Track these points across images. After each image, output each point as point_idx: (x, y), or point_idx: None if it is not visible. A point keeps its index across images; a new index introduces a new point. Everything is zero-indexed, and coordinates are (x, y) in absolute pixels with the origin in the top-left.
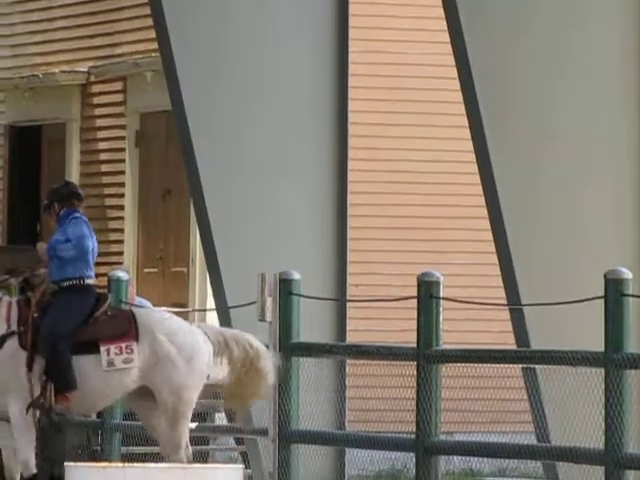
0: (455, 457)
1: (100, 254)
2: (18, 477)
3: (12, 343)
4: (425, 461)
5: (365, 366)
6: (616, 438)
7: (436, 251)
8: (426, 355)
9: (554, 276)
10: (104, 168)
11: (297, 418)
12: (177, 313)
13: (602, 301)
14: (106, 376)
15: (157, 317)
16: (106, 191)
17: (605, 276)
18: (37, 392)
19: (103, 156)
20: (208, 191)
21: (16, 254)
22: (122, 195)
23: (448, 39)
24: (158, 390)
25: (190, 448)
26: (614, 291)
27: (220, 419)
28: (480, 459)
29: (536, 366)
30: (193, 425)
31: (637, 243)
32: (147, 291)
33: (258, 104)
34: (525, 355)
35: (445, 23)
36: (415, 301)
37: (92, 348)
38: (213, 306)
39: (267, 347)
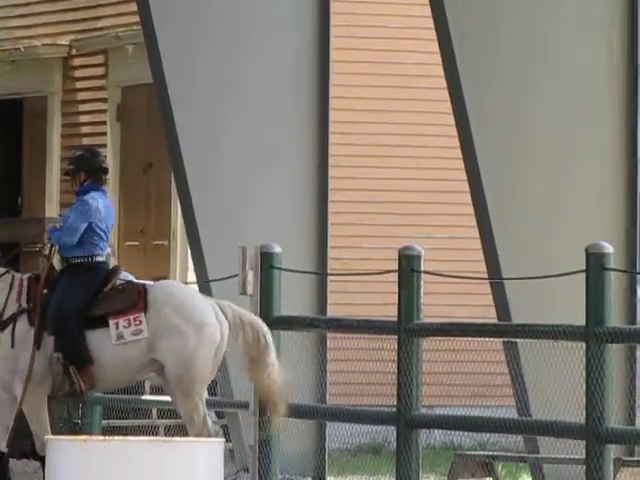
0: (436, 431)
1: None
2: (3, 448)
3: (23, 321)
4: (406, 435)
5: (346, 340)
6: (597, 412)
7: (417, 225)
8: (407, 329)
9: (535, 250)
10: (85, 141)
11: None
12: None
13: (583, 275)
14: (115, 350)
15: (168, 289)
16: None
17: (586, 250)
18: (52, 375)
19: (84, 129)
20: (189, 165)
21: None
22: None
23: (431, 17)
24: (166, 361)
25: (209, 424)
26: (595, 265)
27: None
28: (461, 433)
29: (517, 340)
30: None
31: (619, 217)
32: (128, 265)
33: (240, 77)
34: (506, 329)
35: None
36: (396, 275)
37: (102, 323)
38: (194, 279)
39: None
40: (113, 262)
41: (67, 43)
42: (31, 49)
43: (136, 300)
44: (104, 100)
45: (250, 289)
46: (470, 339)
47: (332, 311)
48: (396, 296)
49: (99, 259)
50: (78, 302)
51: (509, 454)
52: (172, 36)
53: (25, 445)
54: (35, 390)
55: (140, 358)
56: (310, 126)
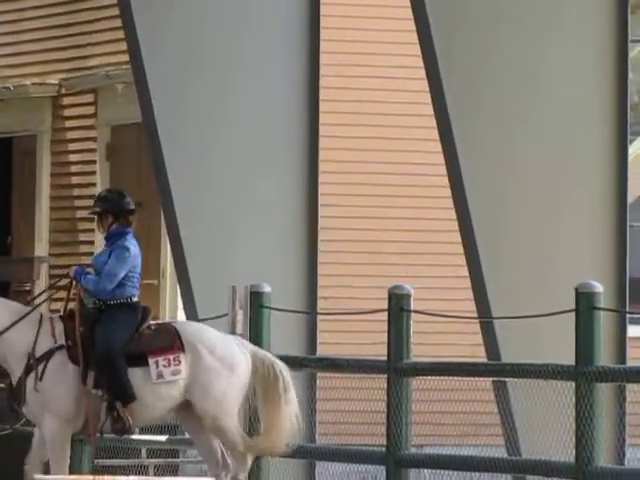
0: (425, 470)
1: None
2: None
3: (60, 357)
4: (396, 474)
5: (336, 379)
6: (587, 452)
7: (407, 264)
8: (397, 368)
9: (525, 289)
10: (75, 180)
11: None
12: None
13: (573, 314)
14: (155, 388)
15: (196, 329)
16: (77, 203)
17: (576, 289)
18: (92, 412)
19: (74, 168)
20: (179, 204)
21: None
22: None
23: (418, 45)
24: (199, 402)
25: (245, 437)
26: (585, 304)
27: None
28: (450, 472)
29: (507, 379)
30: (163, 438)
31: (609, 256)
32: None
33: (228, 118)
34: (496, 368)
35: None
36: (386, 314)
37: (140, 361)
38: (184, 318)
39: None
40: None
41: (56, 82)
42: (20, 88)
43: (173, 340)
44: (94, 139)
45: (240, 328)
46: (460, 378)
47: (322, 350)
48: (386, 335)
49: (135, 299)
50: (122, 339)
51: None
52: (162, 75)
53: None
54: (67, 428)
55: (177, 397)
56: (299, 166)
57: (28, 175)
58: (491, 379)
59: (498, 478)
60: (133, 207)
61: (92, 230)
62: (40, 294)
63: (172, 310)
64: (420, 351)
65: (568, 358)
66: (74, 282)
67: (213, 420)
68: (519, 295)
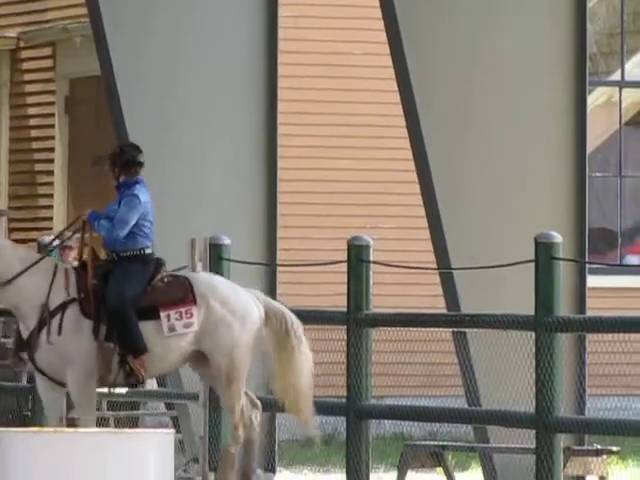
0: (386, 421)
1: (29, 219)
2: None
3: (73, 310)
4: (356, 425)
5: None
6: (547, 402)
7: (365, 215)
8: (356, 319)
9: (484, 240)
10: (34, 133)
11: None
12: None
13: (533, 265)
14: (167, 341)
15: (210, 282)
16: (36, 156)
17: (535, 240)
18: (101, 360)
19: (33, 121)
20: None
21: None
22: (52, 160)
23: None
24: (211, 354)
25: (245, 414)
26: (544, 255)
27: (151, 384)
28: (411, 423)
29: (466, 330)
30: (124, 390)
31: (568, 206)
32: None
33: (187, 67)
34: (455, 319)
35: None
36: (345, 265)
37: (152, 314)
38: None
39: None
40: (72, 256)
41: (15, 35)
42: None
43: (185, 293)
44: (52, 92)
45: None
46: (420, 329)
47: (281, 302)
48: (345, 286)
49: (149, 251)
50: (134, 292)
51: (459, 444)
52: (120, 27)
53: None
54: (89, 380)
55: (187, 349)
56: (258, 116)
57: None
58: (451, 330)
59: (458, 428)
60: (139, 160)
61: (51, 183)
62: (58, 236)
63: None
64: (380, 302)
65: (528, 308)
66: (87, 226)
67: (225, 372)
68: (478, 246)
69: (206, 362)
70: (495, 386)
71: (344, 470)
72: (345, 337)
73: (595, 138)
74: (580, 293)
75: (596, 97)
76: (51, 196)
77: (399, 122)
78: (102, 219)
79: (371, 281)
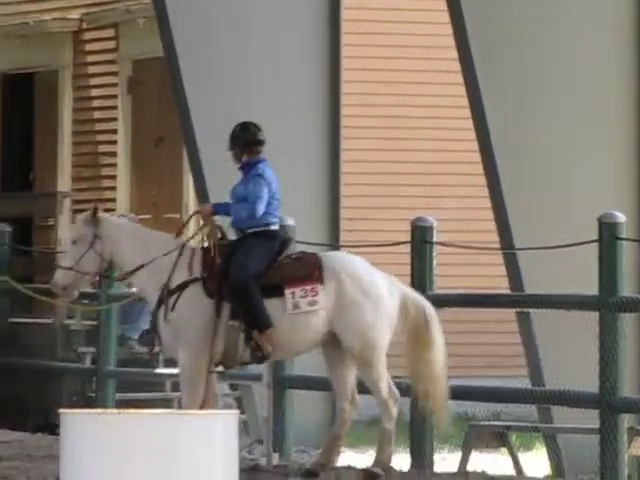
0: (450, 401)
1: (93, 201)
2: None
3: (194, 289)
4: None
5: None
6: (610, 382)
7: (429, 196)
8: None
9: (548, 220)
10: (96, 115)
11: (291, 364)
12: None
13: (596, 245)
14: (292, 318)
15: (343, 260)
16: (99, 138)
17: (599, 220)
18: (230, 344)
19: (95, 103)
20: (201, 137)
21: (10, 202)
22: (115, 142)
23: None
24: (344, 335)
25: (396, 393)
26: (608, 234)
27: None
28: (474, 403)
29: (530, 310)
30: None
31: (633, 187)
32: None
33: (251, 48)
34: (519, 299)
35: None
36: (409, 246)
37: (277, 292)
38: None
39: None
40: None
41: (77, 17)
42: (41, 23)
43: (312, 270)
44: (115, 74)
45: None
46: (483, 310)
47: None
48: (409, 267)
49: (274, 228)
50: (258, 269)
51: (523, 424)
52: (183, 8)
53: (39, 419)
54: (200, 360)
55: (316, 329)
56: (322, 98)
57: (50, 111)
58: (514, 310)
59: (522, 409)
60: (261, 138)
61: (114, 165)
62: (180, 230)
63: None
64: (443, 283)
65: (591, 288)
66: (211, 217)
67: (359, 354)
68: (542, 226)
69: (338, 344)
70: (559, 366)
71: (408, 450)
72: None
73: None
74: None
75: None
76: (114, 177)
77: (462, 102)
78: (236, 205)
79: (435, 262)
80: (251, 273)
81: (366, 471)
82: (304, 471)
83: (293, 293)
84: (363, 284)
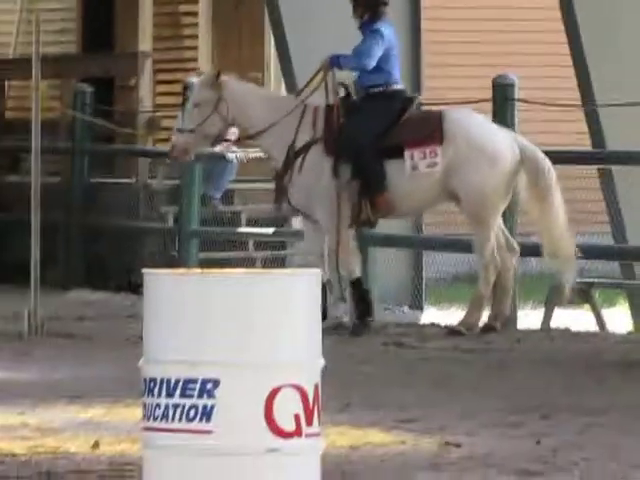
0: (532, 258)
1: (174, 60)
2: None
3: (317, 149)
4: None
5: None
6: None
7: (510, 53)
8: None
9: (630, 76)
10: None
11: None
12: None
13: None
14: (410, 179)
15: (463, 119)
16: None
17: None
18: (344, 201)
19: None
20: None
21: (92, 61)
22: (196, 1)
23: None
24: (459, 193)
25: (497, 260)
26: None
27: (297, 223)
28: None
29: (612, 167)
30: (270, 230)
31: None
32: None
33: None
34: (601, 156)
35: None
36: (491, 104)
37: (397, 153)
38: None
39: None
40: None
41: None
42: None
43: (432, 131)
44: None
45: None
46: (566, 166)
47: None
48: None
49: (397, 87)
50: (376, 130)
51: (606, 280)
52: None
53: (122, 279)
54: (335, 214)
55: (434, 189)
56: None
57: None
58: (596, 167)
59: (605, 265)
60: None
61: (195, 24)
62: (305, 86)
63: None
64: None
65: None
66: (328, 69)
67: (474, 212)
68: (624, 82)
69: (459, 202)
70: None
71: (490, 307)
72: None
73: None
74: None
75: None
76: (196, 37)
77: None
78: (339, 58)
79: (516, 119)
80: (368, 136)
81: (450, 329)
82: (449, 329)
83: (412, 155)
84: (481, 142)
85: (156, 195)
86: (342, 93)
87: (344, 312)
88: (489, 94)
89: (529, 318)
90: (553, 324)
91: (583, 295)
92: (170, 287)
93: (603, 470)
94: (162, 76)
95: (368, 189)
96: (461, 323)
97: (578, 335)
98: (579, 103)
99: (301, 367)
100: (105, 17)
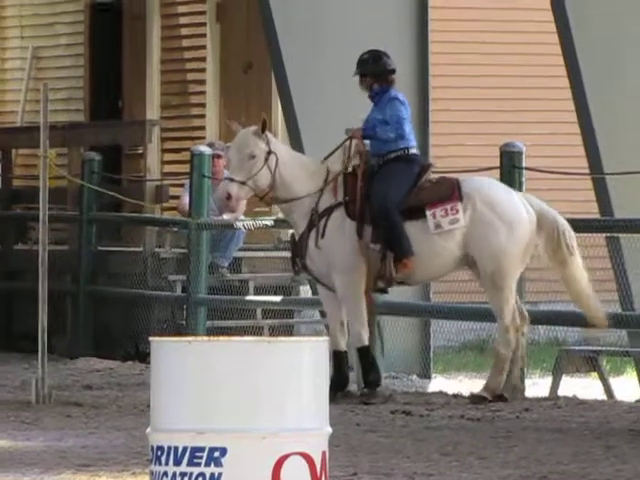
0: (540, 326)
1: (182, 129)
2: (343, 346)
3: (339, 213)
4: None
5: None
6: None
7: (518, 121)
8: None
9: (637, 145)
10: (185, 43)
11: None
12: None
13: None
14: (433, 241)
15: (480, 184)
16: (187, 66)
17: None
18: (368, 265)
19: (184, 31)
20: (289, 63)
21: (99, 129)
22: (203, 70)
23: None
24: (478, 256)
25: (517, 322)
26: None
27: (305, 292)
28: (565, 328)
29: (620, 235)
30: (278, 298)
31: None
32: None
33: None
34: (608, 224)
35: None
36: (498, 171)
37: (418, 214)
38: None
39: None
40: (220, 162)
41: None
42: None
43: (451, 191)
44: (203, 1)
45: None
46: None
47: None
48: None
49: (413, 151)
50: (399, 193)
51: (613, 349)
52: None
53: (129, 347)
54: (357, 280)
55: (454, 251)
56: (410, 27)
57: (138, 39)
58: (604, 235)
59: (613, 333)
60: (393, 67)
61: (203, 92)
62: (331, 154)
63: None
64: None
65: None
66: (353, 140)
67: (491, 276)
68: (631, 151)
69: (476, 268)
70: None
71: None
72: None
73: None
74: None
75: None
76: (203, 105)
77: (551, 28)
78: (375, 128)
79: (524, 187)
80: (393, 199)
81: (474, 396)
82: (472, 397)
83: (434, 213)
84: (499, 208)
85: (164, 263)
86: (357, 160)
87: (352, 380)
88: (497, 162)
89: (537, 386)
90: (561, 392)
91: (591, 363)
92: (177, 355)
93: None
94: (169, 144)
95: (395, 251)
96: (485, 389)
97: (586, 403)
98: (587, 171)
99: (308, 435)
100: (113, 85)
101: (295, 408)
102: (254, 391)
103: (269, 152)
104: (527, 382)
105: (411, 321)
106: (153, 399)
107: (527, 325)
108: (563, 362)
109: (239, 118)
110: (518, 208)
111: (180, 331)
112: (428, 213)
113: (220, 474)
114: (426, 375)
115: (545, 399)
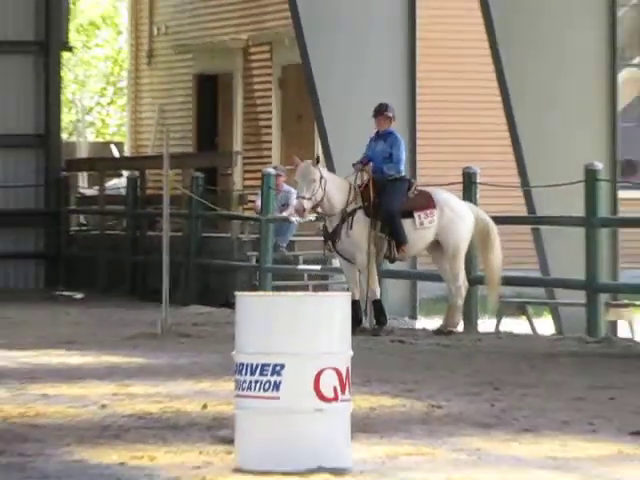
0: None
1: (256, 157)
2: (357, 297)
3: (360, 213)
4: (470, 290)
5: None
6: (592, 271)
7: (477, 149)
8: None
9: (554, 166)
10: (258, 102)
11: (385, 262)
12: None
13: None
14: (418, 232)
15: (443, 196)
16: (260, 116)
17: (585, 167)
18: (378, 246)
19: (257, 94)
20: (326, 115)
21: (202, 157)
22: (270, 119)
23: None
24: (445, 242)
25: (466, 283)
26: (590, 178)
27: (336, 263)
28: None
29: (540, 227)
30: (318, 267)
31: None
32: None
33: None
34: (533, 220)
35: None
36: (461, 185)
37: (409, 215)
38: None
39: None
40: (281, 179)
41: (246, 37)
42: (221, 42)
43: (429, 201)
44: (270, 74)
45: None
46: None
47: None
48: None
49: (404, 174)
50: (398, 201)
51: (536, 300)
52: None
53: (222, 299)
54: (370, 257)
55: (430, 238)
56: (399, 51)
57: (228, 99)
58: (530, 227)
59: (535, 290)
60: (392, 114)
61: (270, 133)
62: (350, 175)
63: None
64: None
65: (579, 211)
66: (366, 167)
67: (453, 251)
68: (550, 170)
69: (439, 247)
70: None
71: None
72: None
73: None
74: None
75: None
76: (270, 142)
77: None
78: (384, 164)
79: (478, 195)
80: (396, 206)
81: (437, 330)
82: (436, 330)
83: (420, 215)
84: (456, 210)
85: (244, 244)
86: (365, 178)
87: (366, 320)
88: (460, 179)
89: (486, 324)
90: (501, 329)
91: (521, 309)
92: (253, 304)
93: (535, 424)
94: (248, 167)
95: (396, 239)
96: (444, 325)
97: (518, 336)
98: (519, 185)
99: (338, 356)
100: (212, 128)
101: (328, 338)
102: (302, 327)
103: (321, 177)
104: (479, 322)
105: (405, 282)
106: (237, 332)
107: (467, 287)
108: (503, 309)
109: (293, 149)
110: (467, 211)
111: (255, 289)
112: (415, 215)
113: (280, 381)
114: (414, 317)
115: (491, 333)
